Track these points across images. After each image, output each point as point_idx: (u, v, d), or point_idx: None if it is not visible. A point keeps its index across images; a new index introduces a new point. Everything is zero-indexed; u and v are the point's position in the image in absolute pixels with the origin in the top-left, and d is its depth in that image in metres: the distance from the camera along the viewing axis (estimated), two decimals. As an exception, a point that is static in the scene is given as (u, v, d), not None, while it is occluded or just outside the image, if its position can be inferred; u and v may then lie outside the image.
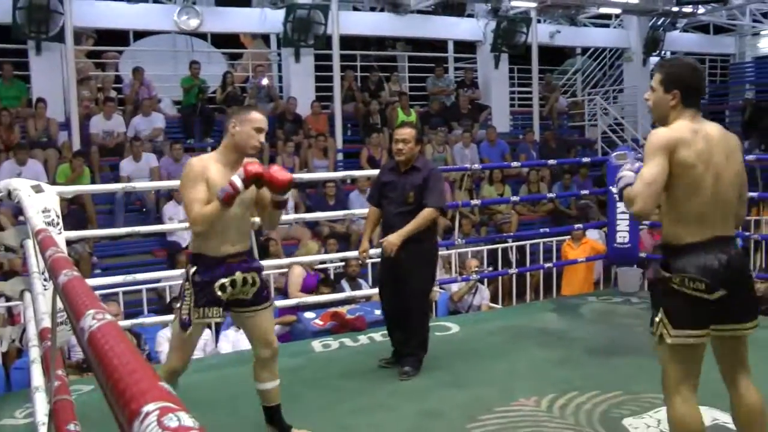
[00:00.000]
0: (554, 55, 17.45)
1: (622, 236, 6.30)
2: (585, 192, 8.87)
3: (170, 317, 5.75)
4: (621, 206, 6.36)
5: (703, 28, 17.77)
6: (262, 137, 3.42)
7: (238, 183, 3.20)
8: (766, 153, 11.30)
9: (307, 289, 6.77)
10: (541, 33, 13.82)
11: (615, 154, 6.54)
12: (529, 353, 5.01)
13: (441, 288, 7.28)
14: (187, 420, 0.58)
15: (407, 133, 4.66)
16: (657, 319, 2.78)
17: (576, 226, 7.90)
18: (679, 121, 2.81)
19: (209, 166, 3.35)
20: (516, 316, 6.18)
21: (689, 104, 2.83)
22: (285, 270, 7.09)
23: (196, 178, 3.30)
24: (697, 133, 2.77)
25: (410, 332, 4.70)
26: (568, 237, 8.16)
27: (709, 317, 2.74)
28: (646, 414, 3.83)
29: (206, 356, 5.80)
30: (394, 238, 4.51)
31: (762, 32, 17.59)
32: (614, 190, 3.02)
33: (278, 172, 3.34)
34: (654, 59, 16.34)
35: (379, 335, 5.48)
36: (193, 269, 3.39)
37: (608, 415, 3.84)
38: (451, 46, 14.91)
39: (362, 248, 4.94)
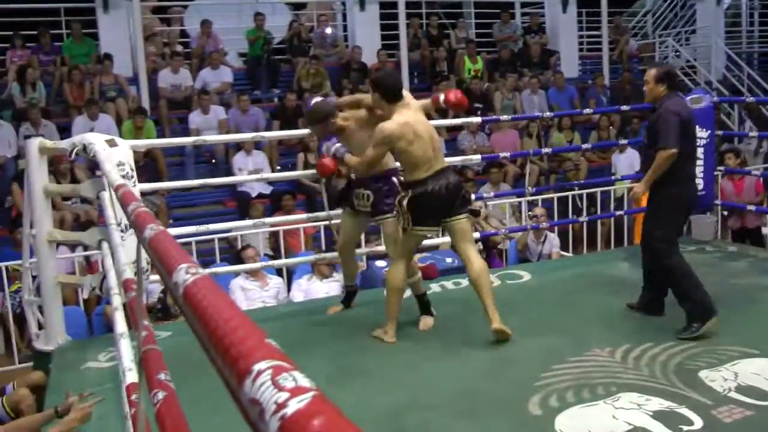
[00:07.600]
0: (624, -3, 16.88)
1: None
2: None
3: (241, 267, 5.87)
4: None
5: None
6: None
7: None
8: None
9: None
10: (611, -26, 13.36)
11: (690, 97, 6.30)
12: (601, 303, 4.93)
13: (510, 236, 7.22)
14: (303, 380, 0.57)
15: (647, 74, 4.67)
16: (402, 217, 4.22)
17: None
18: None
19: None
20: (587, 265, 6.09)
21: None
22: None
23: None
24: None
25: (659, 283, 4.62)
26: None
27: (438, 217, 4.28)
28: (722, 366, 3.75)
29: (278, 304, 5.90)
30: (637, 186, 4.59)
31: None
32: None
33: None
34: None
35: (451, 283, 5.46)
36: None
37: (684, 367, 3.76)
38: (517, -8, 14.59)
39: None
